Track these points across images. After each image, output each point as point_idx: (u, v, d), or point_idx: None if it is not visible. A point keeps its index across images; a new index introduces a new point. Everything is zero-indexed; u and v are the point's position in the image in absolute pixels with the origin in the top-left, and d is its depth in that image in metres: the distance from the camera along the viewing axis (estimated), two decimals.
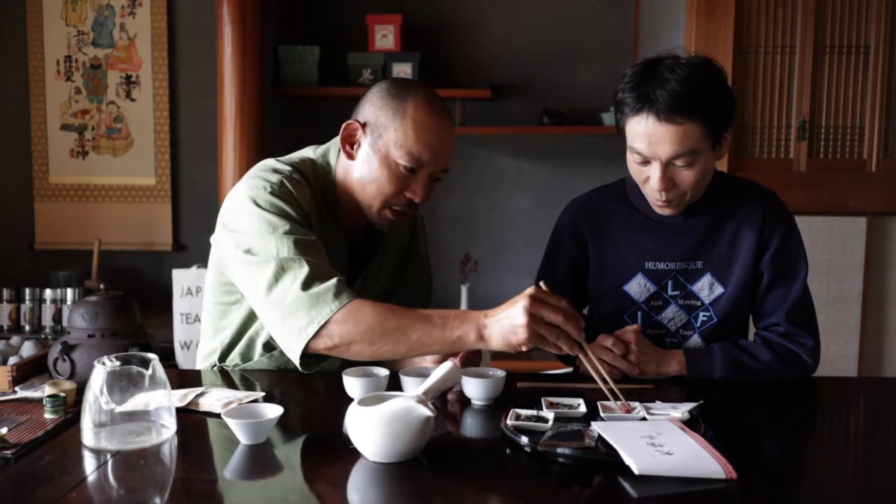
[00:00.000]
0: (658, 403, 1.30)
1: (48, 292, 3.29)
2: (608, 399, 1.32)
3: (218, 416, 1.23)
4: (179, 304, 3.04)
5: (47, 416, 1.26)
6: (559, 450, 1.10)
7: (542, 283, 1.30)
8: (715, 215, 1.62)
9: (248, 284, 1.42)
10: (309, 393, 1.47)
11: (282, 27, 3.68)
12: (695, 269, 1.63)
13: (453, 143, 1.54)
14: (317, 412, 1.39)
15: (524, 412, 1.24)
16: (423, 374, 1.38)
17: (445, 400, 1.40)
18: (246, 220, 1.44)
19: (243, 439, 1.14)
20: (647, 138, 1.47)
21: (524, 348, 1.26)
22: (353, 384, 1.35)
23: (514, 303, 1.26)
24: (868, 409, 1.52)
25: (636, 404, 1.28)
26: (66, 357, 1.42)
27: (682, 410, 1.24)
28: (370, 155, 1.51)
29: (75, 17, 3.55)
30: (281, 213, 1.44)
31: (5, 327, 3.29)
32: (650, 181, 1.52)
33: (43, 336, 3.21)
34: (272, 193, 1.46)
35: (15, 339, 2.82)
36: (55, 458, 1.11)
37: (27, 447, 1.13)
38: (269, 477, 1.09)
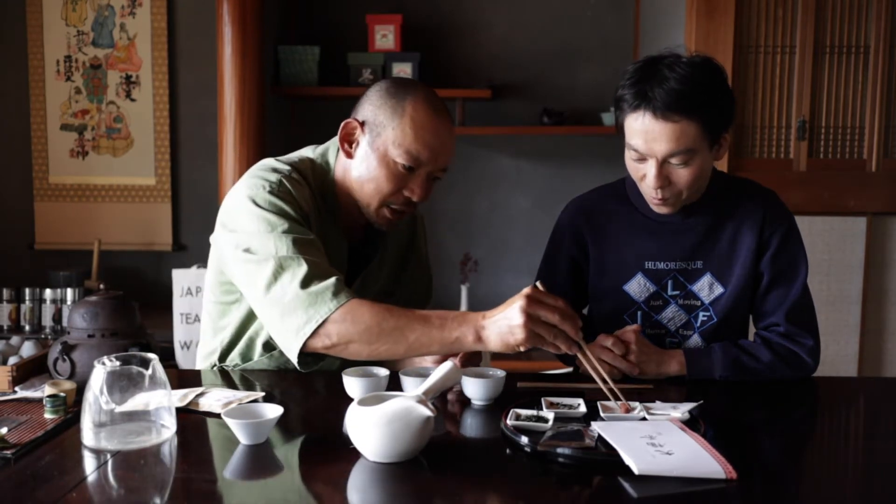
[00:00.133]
0: (658, 403, 1.30)
1: (48, 292, 3.29)
2: (608, 399, 1.32)
3: (218, 416, 1.23)
4: (179, 304, 3.04)
5: (47, 416, 1.26)
6: (559, 450, 1.10)
7: (538, 283, 1.30)
8: (715, 215, 1.62)
9: (247, 283, 1.42)
10: (309, 393, 1.47)
11: (282, 27, 3.68)
12: (695, 268, 1.63)
13: (452, 143, 1.54)
14: (317, 412, 1.39)
15: (524, 412, 1.24)
16: (423, 374, 1.37)
17: (445, 400, 1.40)
18: (245, 220, 1.44)
19: (243, 439, 1.14)
20: (644, 135, 1.47)
21: (522, 349, 1.26)
22: (352, 384, 1.35)
23: (511, 303, 1.26)
24: (868, 409, 1.52)
25: (636, 404, 1.28)
26: (66, 357, 1.42)
27: (682, 410, 1.24)
28: (368, 153, 1.51)
29: (75, 17, 3.55)
30: (280, 213, 1.44)
31: (5, 327, 3.29)
32: (646, 179, 1.52)
33: (43, 336, 3.21)
34: (271, 192, 1.46)
35: (15, 339, 2.82)
36: (55, 458, 1.11)
37: (27, 447, 1.13)
38: (268, 477, 1.09)
